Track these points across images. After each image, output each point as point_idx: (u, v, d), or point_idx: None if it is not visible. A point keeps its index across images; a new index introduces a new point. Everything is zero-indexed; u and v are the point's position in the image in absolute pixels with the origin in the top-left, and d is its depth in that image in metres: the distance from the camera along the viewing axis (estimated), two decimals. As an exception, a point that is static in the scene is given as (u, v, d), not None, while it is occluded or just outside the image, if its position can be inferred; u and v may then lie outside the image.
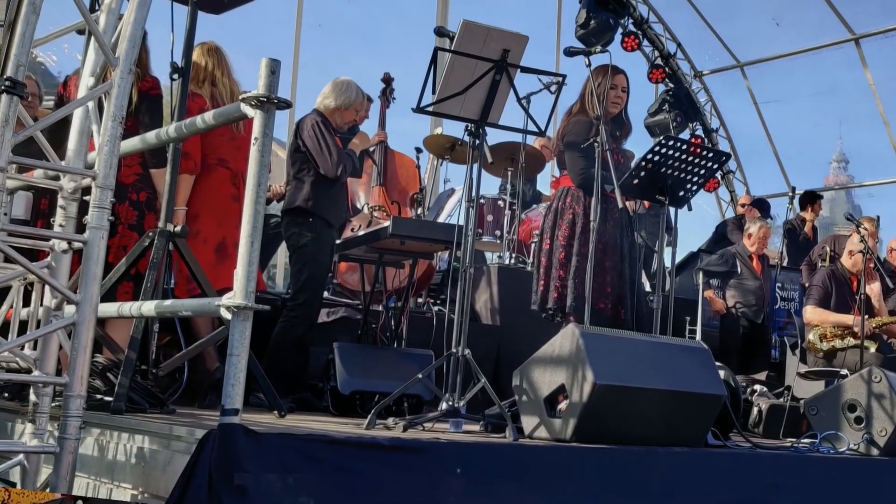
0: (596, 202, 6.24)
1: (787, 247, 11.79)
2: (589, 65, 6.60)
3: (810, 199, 12.62)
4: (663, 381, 5.10)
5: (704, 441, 5.35)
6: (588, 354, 4.84)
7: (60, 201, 4.25)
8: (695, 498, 4.88)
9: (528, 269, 8.86)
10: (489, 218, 9.49)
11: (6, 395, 5.43)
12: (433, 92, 5.59)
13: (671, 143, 6.31)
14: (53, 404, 4.17)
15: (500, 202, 9.55)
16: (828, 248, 10.68)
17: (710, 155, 6.52)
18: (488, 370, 7.45)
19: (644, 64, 16.03)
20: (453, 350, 5.37)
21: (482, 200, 9.20)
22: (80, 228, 4.09)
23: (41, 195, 5.65)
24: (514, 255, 9.40)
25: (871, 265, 8.96)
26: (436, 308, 8.54)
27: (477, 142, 5.67)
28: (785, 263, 11.12)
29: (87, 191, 4.08)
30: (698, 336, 9.10)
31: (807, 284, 9.95)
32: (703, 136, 16.55)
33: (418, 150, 9.41)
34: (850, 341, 8.73)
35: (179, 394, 5.56)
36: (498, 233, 9.45)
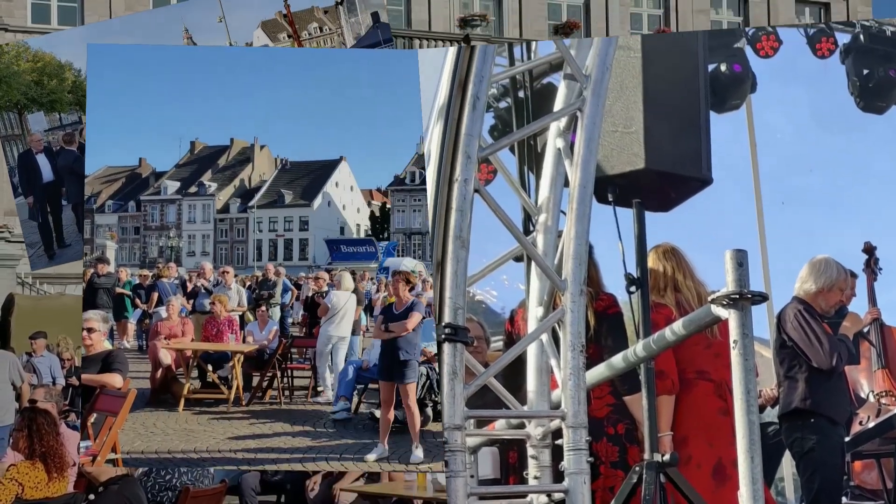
0: None
1: None
2: None
3: None
4: None
5: None
6: None
7: (530, 450, 4.15)
8: None
9: None
10: None
11: None
12: (924, 252, 5.23)
13: None
14: None
15: None
16: None
17: None
18: None
19: None
20: None
21: None
22: (559, 477, 4.00)
23: (508, 447, 5.53)
24: None
25: None
26: (972, 495, 7.83)
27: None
28: None
29: (557, 434, 4.00)
30: None
31: None
32: None
33: (917, 322, 8.78)
34: None
35: None
36: None
